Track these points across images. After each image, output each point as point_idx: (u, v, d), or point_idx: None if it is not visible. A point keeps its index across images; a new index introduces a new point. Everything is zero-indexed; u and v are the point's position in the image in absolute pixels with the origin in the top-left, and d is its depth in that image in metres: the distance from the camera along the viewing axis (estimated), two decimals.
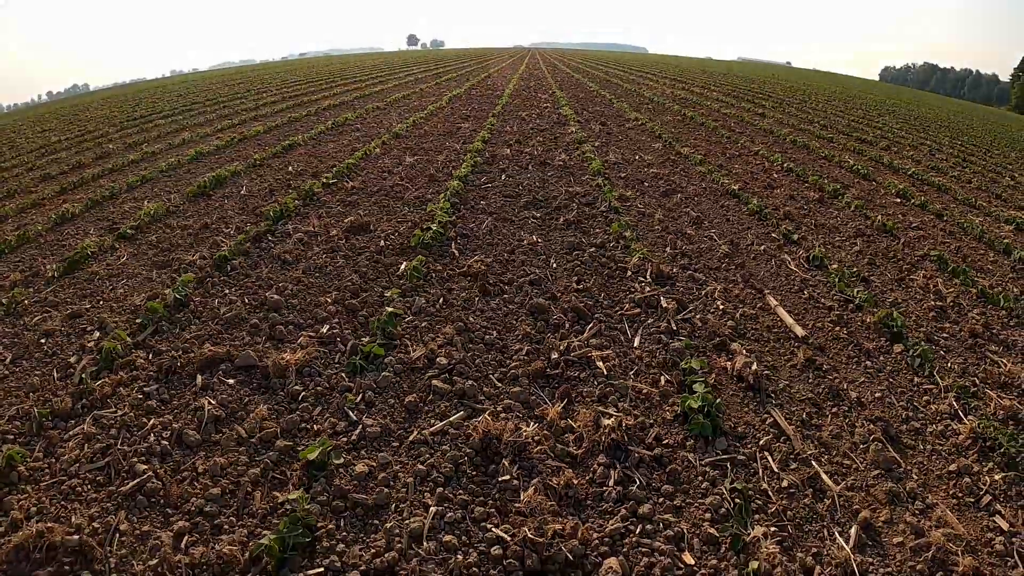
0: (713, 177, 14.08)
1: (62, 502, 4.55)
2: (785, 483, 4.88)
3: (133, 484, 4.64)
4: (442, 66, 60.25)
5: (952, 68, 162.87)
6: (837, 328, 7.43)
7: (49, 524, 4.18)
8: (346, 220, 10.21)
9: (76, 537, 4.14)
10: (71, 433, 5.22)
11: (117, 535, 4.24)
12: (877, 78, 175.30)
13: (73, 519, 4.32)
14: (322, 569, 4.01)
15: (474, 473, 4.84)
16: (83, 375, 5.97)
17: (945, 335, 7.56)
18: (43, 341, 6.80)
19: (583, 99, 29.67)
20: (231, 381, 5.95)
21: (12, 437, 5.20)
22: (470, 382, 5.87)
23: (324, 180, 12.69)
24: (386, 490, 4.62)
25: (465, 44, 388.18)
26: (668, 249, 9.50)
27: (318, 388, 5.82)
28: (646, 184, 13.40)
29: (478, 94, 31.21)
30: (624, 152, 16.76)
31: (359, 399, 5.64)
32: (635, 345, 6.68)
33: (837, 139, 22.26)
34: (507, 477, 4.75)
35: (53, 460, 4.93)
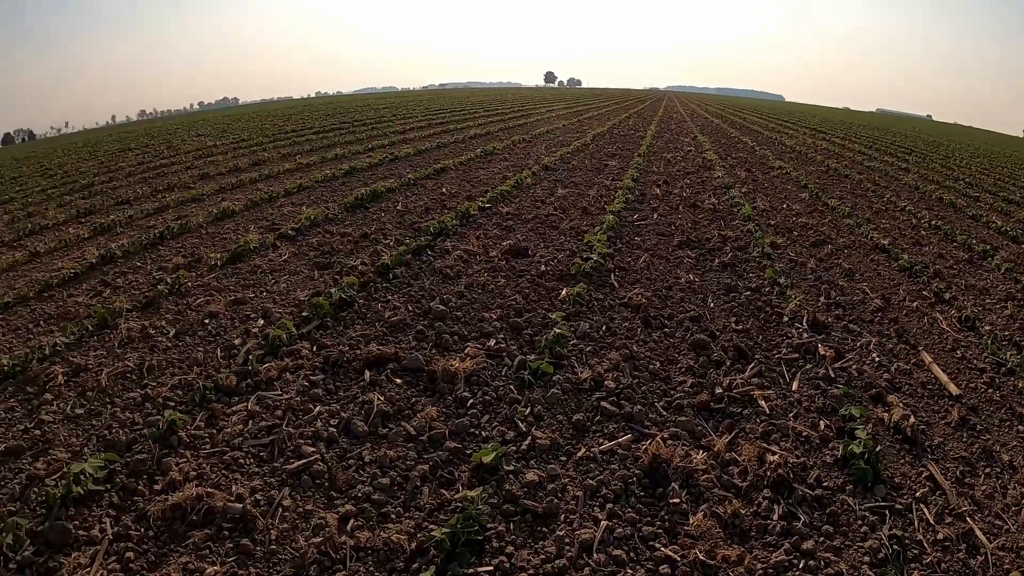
0: (862, 231, 13.92)
1: (223, 471, 4.97)
2: (940, 535, 4.90)
3: (299, 464, 5.03)
4: (581, 104, 61.12)
5: None
6: (990, 390, 7.31)
7: (209, 489, 4.60)
8: (504, 243, 10.70)
9: (239, 506, 4.52)
10: (234, 409, 5.73)
11: (280, 510, 4.61)
12: (1021, 135, 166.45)
13: (234, 488, 4.71)
14: (491, 568, 4.23)
15: (642, 493, 5.06)
16: (248, 356, 6.52)
17: None
18: (207, 321, 7.47)
19: (725, 144, 29.71)
20: (398, 381, 6.39)
21: (173, 404, 5.75)
22: (638, 407, 6.12)
23: (479, 204, 13.26)
24: (556, 500, 4.86)
25: (601, 84, 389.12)
26: (822, 299, 9.53)
27: (486, 397, 6.17)
28: (795, 233, 13.42)
29: (620, 133, 31.67)
30: (771, 199, 16.81)
31: (528, 412, 5.93)
32: (794, 388, 6.79)
33: (983, 198, 21.46)
34: (676, 500, 4.93)
35: (214, 431, 5.41)
